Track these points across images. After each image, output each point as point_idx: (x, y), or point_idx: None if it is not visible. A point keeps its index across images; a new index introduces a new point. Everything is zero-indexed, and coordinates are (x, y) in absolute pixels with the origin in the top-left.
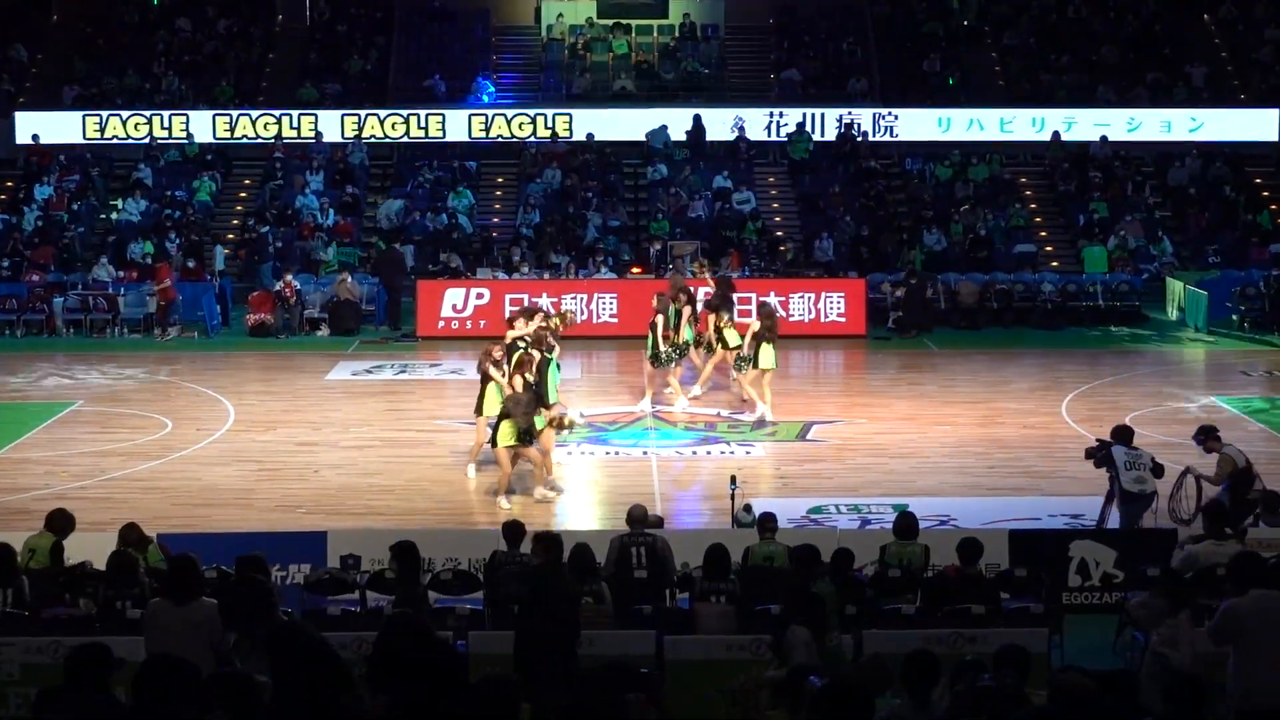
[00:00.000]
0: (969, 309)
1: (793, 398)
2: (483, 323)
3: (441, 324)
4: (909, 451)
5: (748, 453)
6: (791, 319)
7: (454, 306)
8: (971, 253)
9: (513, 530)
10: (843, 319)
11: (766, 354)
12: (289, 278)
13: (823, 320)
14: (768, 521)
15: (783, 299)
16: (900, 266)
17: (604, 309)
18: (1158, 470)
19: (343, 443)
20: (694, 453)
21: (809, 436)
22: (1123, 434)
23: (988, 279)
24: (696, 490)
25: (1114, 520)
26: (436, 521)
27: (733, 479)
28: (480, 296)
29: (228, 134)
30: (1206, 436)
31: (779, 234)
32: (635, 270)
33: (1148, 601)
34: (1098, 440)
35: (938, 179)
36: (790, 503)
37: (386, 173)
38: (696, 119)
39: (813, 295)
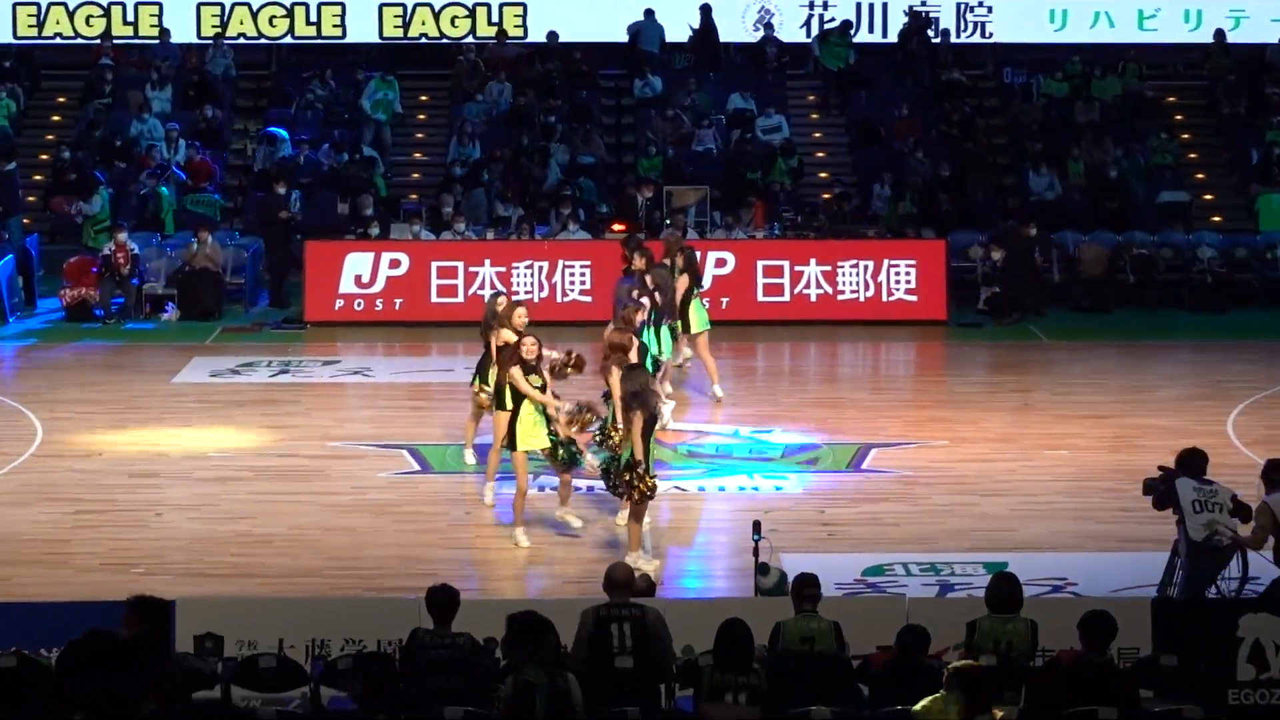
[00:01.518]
0: (1094, 282)
1: (842, 409)
2: (398, 302)
3: (340, 304)
4: (1008, 486)
5: (778, 488)
6: (841, 297)
7: (358, 279)
8: (1098, 203)
9: (442, 600)
10: (913, 297)
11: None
12: (122, 237)
13: (885, 299)
14: (807, 587)
15: (827, 269)
16: (888, 225)
17: (572, 283)
18: (1241, 512)
19: (198, 473)
20: (701, 488)
21: (865, 465)
22: (1192, 461)
23: (1121, 240)
24: (704, 542)
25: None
26: (334, 586)
27: (756, 526)
28: (395, 265)
29: (33, 32)
30: (1267, 475)
31: (822, 175)
32: (617, 227)
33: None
34: (1161, 470)
35: (1049, 97)
36: (839, 560)
37: (262, 88)
38: (704, 10)
39: (870, 264)
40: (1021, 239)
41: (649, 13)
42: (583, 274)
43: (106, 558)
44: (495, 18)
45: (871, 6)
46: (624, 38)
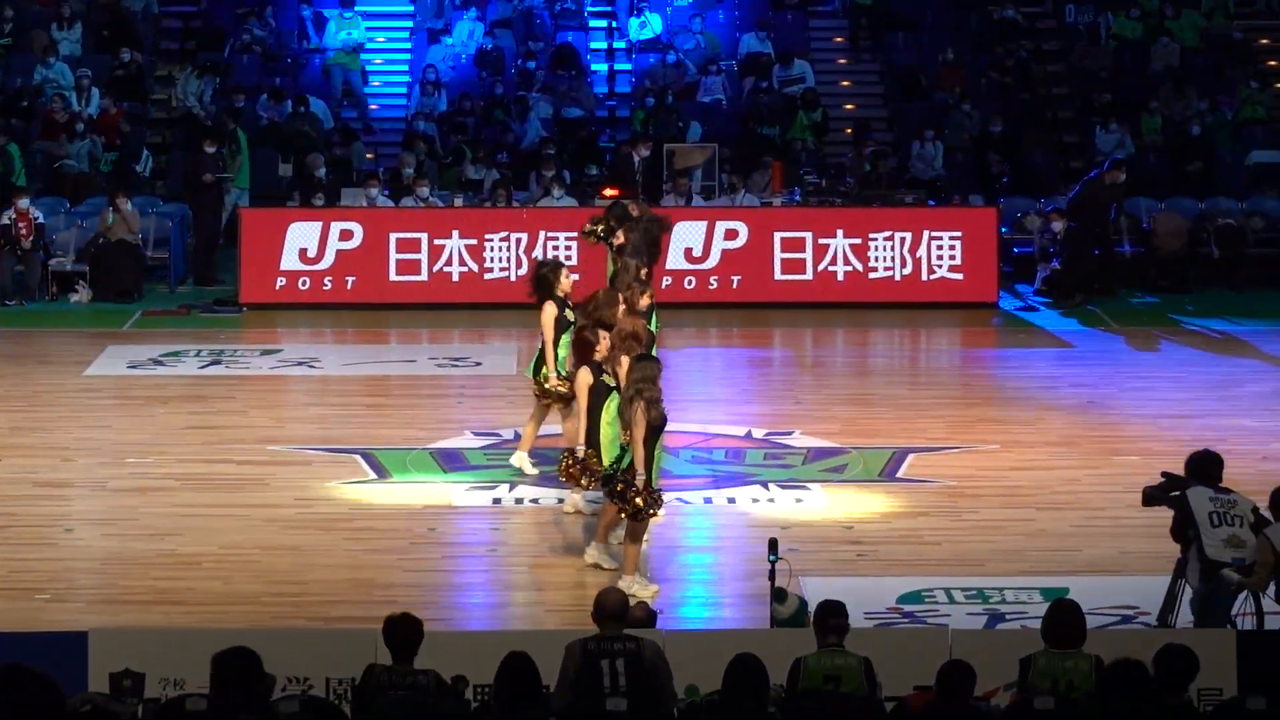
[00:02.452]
0: (1172, 259)
1: (874, 408)
2: (350, 280)
3: (282, 282)
4: (1069, 500)
5: (798, 501)
6: (875, 275)
7: (303, 253)
8: (1177, 164)
9: (402, 631)
10: (959, 275)
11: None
12: (23, 204)
13: (925, 278)
14: (832, 617)
15: (856, 242)
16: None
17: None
18: (1261, 526)
19: (114, 482)
20: (707, 500)
21: (901, 474)
22: (1205, 466)
23: (1204, 209)
24: (710, 563)
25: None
26: (274, 615)
27: (773, 545)
28: (347, 236)
29: None
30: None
31: (849, 132)
32: (608, 193)
33: None
34: (1166, 476)
35: (1120, 39)
36: (871, 585)
37: (189, 28)
38: None
39: (909, 236)
40: (1103, 190)
41: None
42: (568, 247)
43: (6, 581)
44: None
45: None
46: None
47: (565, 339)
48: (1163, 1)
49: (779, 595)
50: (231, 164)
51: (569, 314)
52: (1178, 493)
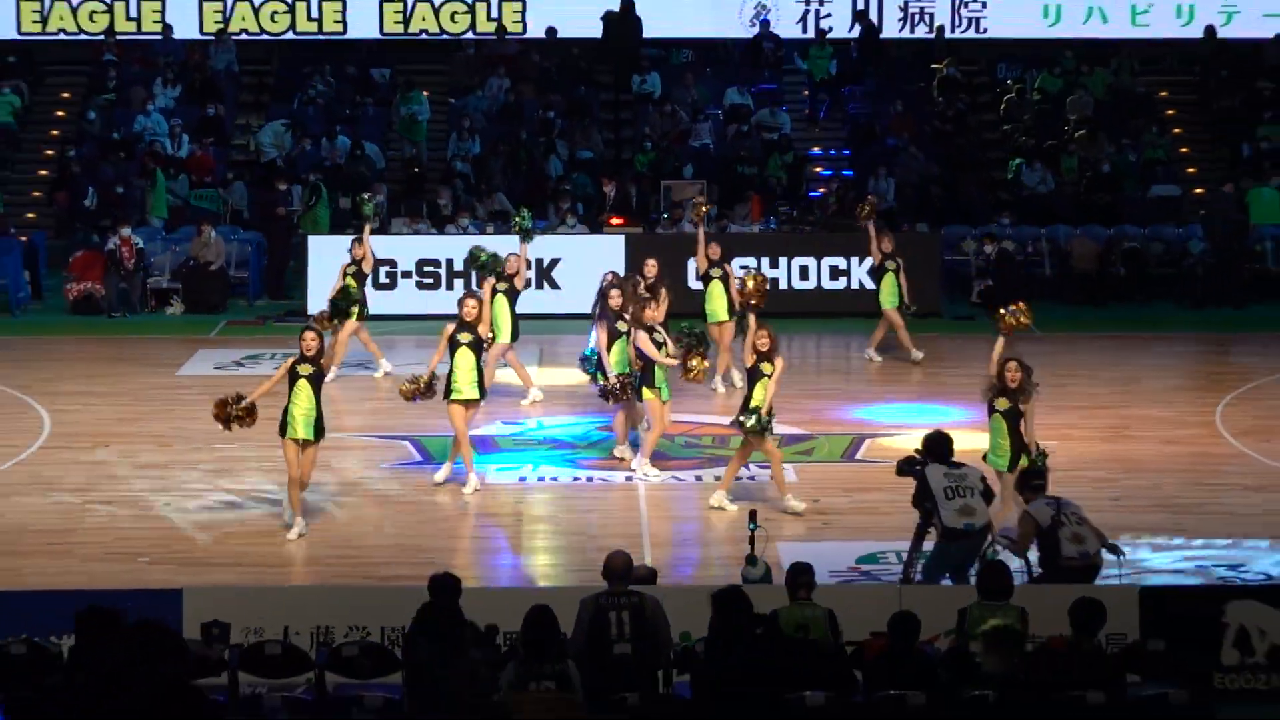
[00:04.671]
0: (1086, 276)
1: (836, 401)
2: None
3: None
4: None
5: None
6: (832, 289)
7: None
8: (1089, 197)
9: (444, 587)
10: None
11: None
12: (125, 232)
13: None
14: (801, 575)
15: (810, 260)
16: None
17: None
18: (989, 495)
19: (203, 463)
20: (698, 478)
21: (859, 455)
22: (938, 445)
23: (1112, 234)
24: (701, 530)
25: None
26: (337, 573)
27: (752, 515)
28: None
29: (37, 27)
30: (1025, 484)
31: (817, 170)
32: (614, 222)
33: None
34: (917, 452)
35: (1043, 93)
36: (833, 549)
37: (263, 83)
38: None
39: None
40: (1222, 202)
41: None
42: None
43: (111, 548)
44: (494, 13)
45: (869, 2)
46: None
47: (620, 346)
48: (1079, 60)
49: (751, 560)
50: (308, 211)
51: (620, 326)
52: (919, 467)
